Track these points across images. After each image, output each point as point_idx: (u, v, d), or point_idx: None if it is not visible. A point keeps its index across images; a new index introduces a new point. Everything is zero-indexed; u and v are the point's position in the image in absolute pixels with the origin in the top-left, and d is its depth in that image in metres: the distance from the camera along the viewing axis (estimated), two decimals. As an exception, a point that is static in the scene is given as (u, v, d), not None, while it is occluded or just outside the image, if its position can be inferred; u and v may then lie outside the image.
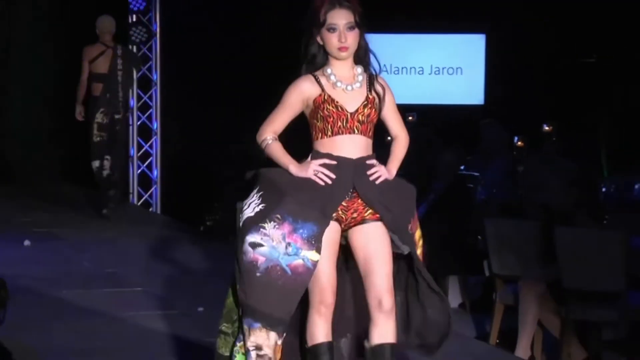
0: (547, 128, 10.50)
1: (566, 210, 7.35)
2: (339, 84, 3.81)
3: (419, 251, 3.91)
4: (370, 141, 3.85)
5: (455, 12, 12.49)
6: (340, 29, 3.76)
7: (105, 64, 9.28)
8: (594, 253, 6.44)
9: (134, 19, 11.41)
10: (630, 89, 11.38)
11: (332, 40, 3.78)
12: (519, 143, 10.00)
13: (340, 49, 3.78)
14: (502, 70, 12.44)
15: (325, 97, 3.80)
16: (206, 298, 6.23)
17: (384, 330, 3.76)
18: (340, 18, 3.77)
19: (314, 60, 3.85)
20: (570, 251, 6.52)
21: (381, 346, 3.75)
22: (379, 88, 3.85)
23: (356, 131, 3.80)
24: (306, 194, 3.74)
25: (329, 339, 3.81)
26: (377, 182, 3.79)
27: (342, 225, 3.81)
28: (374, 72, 3.90)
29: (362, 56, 3.86)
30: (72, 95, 9.38)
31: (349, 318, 4.00)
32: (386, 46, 12.91)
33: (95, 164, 9.26)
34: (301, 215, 3.71)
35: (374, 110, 3.83)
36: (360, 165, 3.79)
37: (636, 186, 8.68)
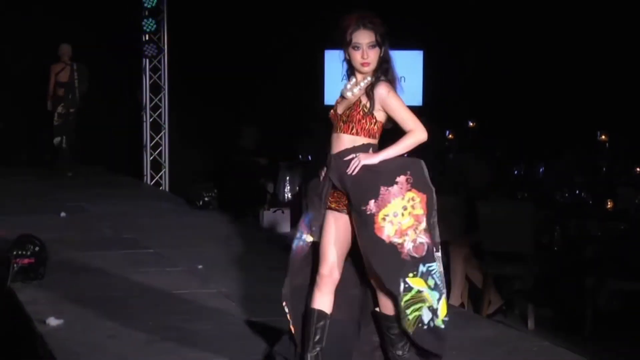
0: (471, 124, 10.48)
1: (485, 189, 7.34)
2: (345, 92, 3.62)
3: (384, 231, 3.41)
4: (355, 138, 3.51)
5: (400, 34, 12.43)
6: (363, 48, 3.55)
7: (65, 75, 10.53)
8: (507, 222, 6.43)
9: (147, 38, 11.38)
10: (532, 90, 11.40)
11: (356, 57, 3.56)
12: (450, 136, 9.96)
13: (362, 64, 3.56)
14: (436, 78, 12.42)
15: (334, 104, 3.66)
16: (204, 258, 6.18)
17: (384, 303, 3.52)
18: (364, 38, 3.55)
19: (348, 73, 3.66)
20: (488, 221, 6.50)
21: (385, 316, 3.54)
22: (373, 93, 3.50)
23: (339, 130, 3.55)
24: (317, 189, 3.60)
25: (321, 307, 3.53)
26: (349, 171, 3.46)
27: (347, 213, 3.52)
28: (381, 80, 3.54)
29: (382, 69, 3.58)
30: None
31: (354, 298, 3.67)
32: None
33: (57, 140, 10.65)
34: (310, 207, 3.60)
35: (360, 112, 3.51)
36: (337, 159, 3.51)
37: (541, 169, 8.69)
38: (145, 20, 11.26)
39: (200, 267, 5.96)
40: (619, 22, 10.41)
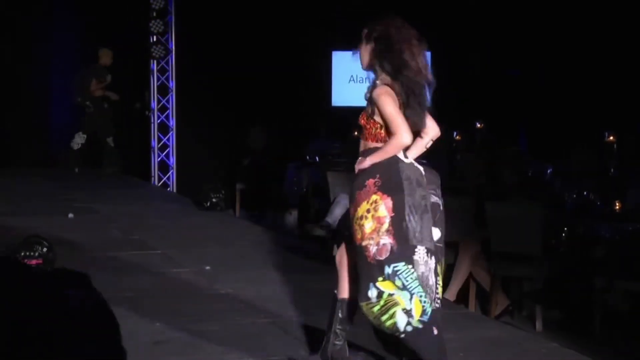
0: (478, 125, 10.43)
1: (496, 189, 7.32)
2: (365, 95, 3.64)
3: (356, 235, 3.42)
4: (366, 142, 3.53)
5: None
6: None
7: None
8: (517, 222, 6.40)
9: (154, 39, 11.38)
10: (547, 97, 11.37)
11: None
12: (457, 137, 9.92)
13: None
14: (442, 79, 12.38)
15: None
16: (211, 259, 6.17)
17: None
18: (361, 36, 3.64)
19: None
20: (498, 221, 6.48)
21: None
22: (371, 97, 3.54)
23: (360, 135, 3.62)
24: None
25: (336, 290, 3.63)
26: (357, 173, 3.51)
27: None
28: (377, 84, 3.56)
29: (378, 64, 3.56)
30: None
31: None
32: (351, 61, 12.70)
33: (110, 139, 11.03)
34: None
35: (364, 117, 3.55)
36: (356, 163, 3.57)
37: (549, 170, 8.65)
38: (152, 21, 11.27)
39: (207, 268, 5.95)
40: (627, 22, 10.37)
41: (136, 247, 6.63)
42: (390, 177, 3.41)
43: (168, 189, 11.51)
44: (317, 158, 9.80)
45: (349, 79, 12.37)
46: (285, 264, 6.07)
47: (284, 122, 11.80)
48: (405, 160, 3.48)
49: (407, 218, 3.36)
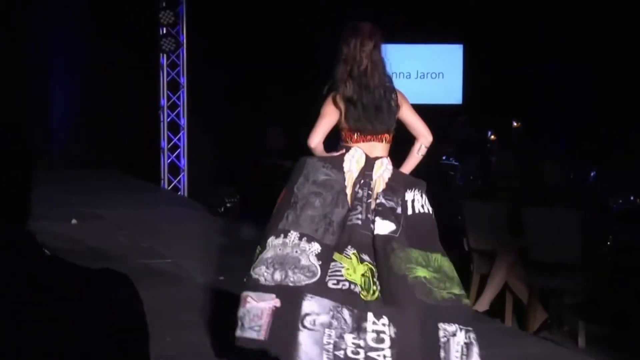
0: (515, 124, 10.44)
1: (534, 194, 7.31)
2: None
3: None
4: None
5: (437, 26, 12.43)
6: None
7: None
8: (555, 230, 6.40)
9: (164, 32, 11.39)
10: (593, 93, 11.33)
11: None
12: (492, 137, 9.93)
13: None
14: (477, 74, 12.37)
15: None
16: (226, 268, 6.21)
17: None
18: None
19: None
20: (535, 228, 6.48)
21: None
22: None
23: None
24: None
25: None
26: None
27: None
28: None
29: None
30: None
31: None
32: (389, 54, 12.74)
33: None
34: None
35: None
36: None
37: (592, 174, 8.63)
38: (162, 12, 11.32)
39: (221, 278, 5.99)
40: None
41: (145, 255, 6.70)
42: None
43: (179, 193, 11.57)
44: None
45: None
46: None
47: (305, 122, 11.83)
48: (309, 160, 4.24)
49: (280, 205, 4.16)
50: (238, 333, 3.87)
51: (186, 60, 11.55)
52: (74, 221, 8.00)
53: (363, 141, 4.16)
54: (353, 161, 4.12)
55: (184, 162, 11.73)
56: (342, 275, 3.80)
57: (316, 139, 4.25)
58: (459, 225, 7.52)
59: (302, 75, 11.82)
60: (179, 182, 11.73)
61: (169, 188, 11.61)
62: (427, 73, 13.22)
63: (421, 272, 3.85)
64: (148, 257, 6.61)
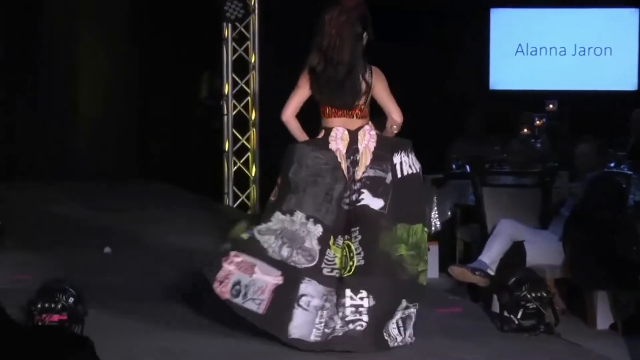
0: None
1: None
2: None
3: None
4: None
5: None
6: None
7: None
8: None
9: (229, -7, 11.39)
10: None
11: None
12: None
13: None
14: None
15: None
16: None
17: None
18: None
19: None
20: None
21: None
22: None
23: None
24: None
25: None
26: None
27: None
28: None
29: None
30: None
31: None
32: (520, 23, 12.64)
33: None
34: None
35: None
36: None
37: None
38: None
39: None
40: None
41: (195, 296, 6.68)
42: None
43: (248, 212, 11.60)
44: (467, 167, 9.75)
45: (516, 49, 12.48)
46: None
47: (414, 112, 11.76)
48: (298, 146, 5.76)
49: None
50: (239, 301, 5.32)
51: (258, 33, 11.56)
52: (107, 249, 8.09)
53: (335, 116, 5.67)
54: (338, 139, 5.63)
55: (254, 170, 11.75)
56: (335, 264, 5.45)
57: (287, 112, 5.93)
58: (634, 257, 7.34)
59: (411, 49, 11.77)
60: (247, 197, 11.74)
61: (235, 205, 11.65)
62: (588, 48, 13.00)
63: (403, 250, 5.46)
64: (198, 299, 6.60)
